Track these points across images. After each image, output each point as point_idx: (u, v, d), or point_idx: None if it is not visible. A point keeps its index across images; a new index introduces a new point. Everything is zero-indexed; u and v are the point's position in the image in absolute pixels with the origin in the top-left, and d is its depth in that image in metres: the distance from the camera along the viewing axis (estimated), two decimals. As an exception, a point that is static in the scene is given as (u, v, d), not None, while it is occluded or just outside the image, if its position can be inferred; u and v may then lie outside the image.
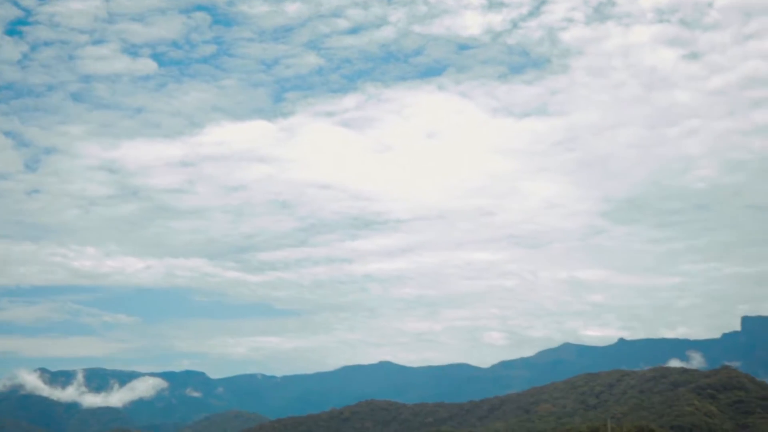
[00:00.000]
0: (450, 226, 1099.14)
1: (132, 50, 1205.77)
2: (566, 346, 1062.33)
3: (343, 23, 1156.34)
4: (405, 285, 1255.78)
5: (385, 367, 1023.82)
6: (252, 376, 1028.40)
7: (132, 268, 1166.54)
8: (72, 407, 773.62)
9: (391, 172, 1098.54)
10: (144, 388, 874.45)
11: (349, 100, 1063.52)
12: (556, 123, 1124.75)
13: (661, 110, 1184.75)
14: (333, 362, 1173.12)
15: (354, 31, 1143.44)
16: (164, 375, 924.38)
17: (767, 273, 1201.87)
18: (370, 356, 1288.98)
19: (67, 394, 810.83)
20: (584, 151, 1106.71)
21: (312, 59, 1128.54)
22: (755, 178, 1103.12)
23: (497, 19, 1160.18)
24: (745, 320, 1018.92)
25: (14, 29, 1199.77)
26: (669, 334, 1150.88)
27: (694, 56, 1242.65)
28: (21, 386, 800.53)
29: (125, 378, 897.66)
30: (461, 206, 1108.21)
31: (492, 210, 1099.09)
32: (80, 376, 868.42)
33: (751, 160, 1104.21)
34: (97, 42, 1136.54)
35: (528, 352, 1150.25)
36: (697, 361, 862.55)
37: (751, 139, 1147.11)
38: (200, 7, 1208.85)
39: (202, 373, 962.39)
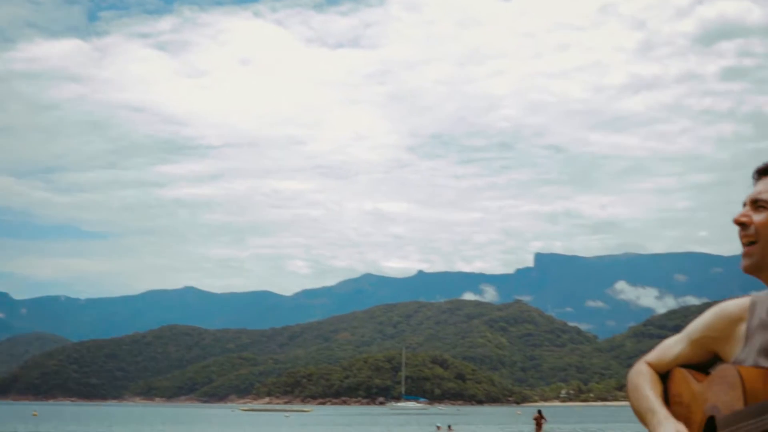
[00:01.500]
0: (260, 154, 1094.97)
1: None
2: (367, 277, 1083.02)
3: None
4: (213, 211, 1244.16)
5: (189, 292, 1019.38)
6: (55, 298, 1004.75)
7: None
8: None
9: (204, 98, 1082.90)
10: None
11: (165, 23, 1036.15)
12: (369, 56, 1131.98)
13: (471, 49, 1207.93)
14: (138, 286, 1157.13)
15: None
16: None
17: (560, 212, 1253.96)
18: (175, 281, 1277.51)
19: None
20: (395, 85, 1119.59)
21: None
22: (555, 120, 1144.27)
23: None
24: (538, 257, 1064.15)
25: None
26: (466, 268, 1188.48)
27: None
28: None
29: None
30: (272, 134, 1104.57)
31: (302, 139, 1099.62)
32: None
33: (553, 102, 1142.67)
34: None
35: (330, 281, 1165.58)
36: (490, 295, 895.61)
37: (554, 81, 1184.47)
38: None
39: (5, 294, 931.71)
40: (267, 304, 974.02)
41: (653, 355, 3.37)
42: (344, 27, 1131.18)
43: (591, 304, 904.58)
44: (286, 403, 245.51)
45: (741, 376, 2.85)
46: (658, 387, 3.29)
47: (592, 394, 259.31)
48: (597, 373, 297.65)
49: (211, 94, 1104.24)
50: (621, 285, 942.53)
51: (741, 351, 3.06)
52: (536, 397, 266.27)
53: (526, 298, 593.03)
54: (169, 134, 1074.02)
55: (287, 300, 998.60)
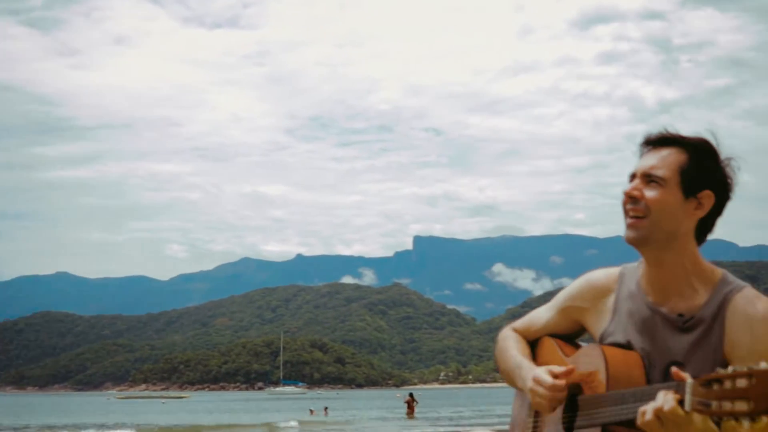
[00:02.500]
0: (136, 135, 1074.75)
1: None
2: (246, 261, 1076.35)
3: None
4: (87, 194, 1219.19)
5: (63, 277, 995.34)
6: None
7: None
8: None
9: (78, 77, 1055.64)
10: None
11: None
12: (247, 36, 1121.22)
13: (350, 30, 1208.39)
14: (8, 272, 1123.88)
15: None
16: None
17: (440, 194, 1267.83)
18: (48, 266, 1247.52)
19: None
20: (274, 66, 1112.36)
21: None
22: (434, 102, 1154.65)
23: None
24: (417, 240, 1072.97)
25: None
26: (345, 251, 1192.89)
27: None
28: None
29: None
30: (148, 115, 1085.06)
31: (179, 121, 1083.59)
32: None
33: (432, 85, 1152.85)
34: None
35: (208, 265, 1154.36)
36: (369, 278, 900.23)
37: (433, 64, 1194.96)
38: None
39: None
40: (143, 289, 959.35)
41: (522, 323, 3.37)
42: (222, 6, 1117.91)
43: (469, 286, 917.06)
44: (163, 389, 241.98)
45: (605, 359, 2.86)
46: (526, 349, 3.27)
47: (470, 376, 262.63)
48: (475, 355, 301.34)
49: (85, 73, 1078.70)
50: (498, 267, 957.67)
51: (609, 323, 3.06)
52: (416, 380, 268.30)
53: (404, 281, 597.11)
54: (41, 115, 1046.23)
55: (164, 285, 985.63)
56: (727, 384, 2.17)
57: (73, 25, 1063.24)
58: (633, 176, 2.94)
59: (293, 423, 44.22)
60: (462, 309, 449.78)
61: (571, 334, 3.26)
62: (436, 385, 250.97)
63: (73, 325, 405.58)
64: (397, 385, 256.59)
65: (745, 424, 2.12)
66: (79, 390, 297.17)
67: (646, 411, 2.49)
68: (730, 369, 2.19)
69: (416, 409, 57.01)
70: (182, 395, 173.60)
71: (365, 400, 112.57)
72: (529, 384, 2.97)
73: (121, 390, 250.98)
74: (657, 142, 2.94)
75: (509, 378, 3.22)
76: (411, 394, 59.19)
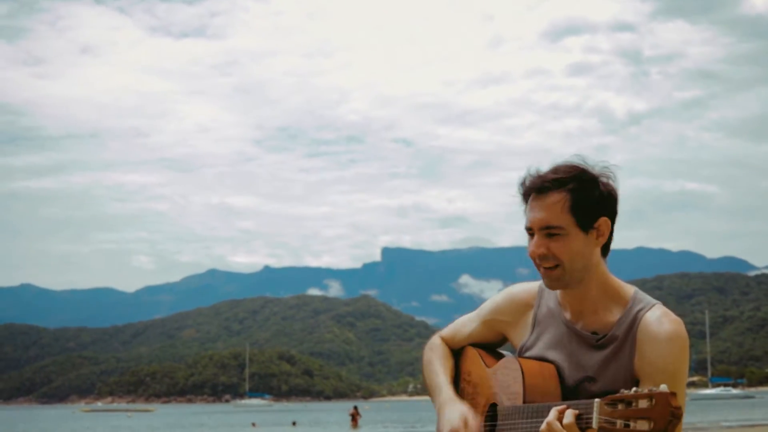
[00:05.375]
0: (102, 145, 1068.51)
1: None
2: (213, 272, 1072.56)
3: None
4: (52, 205, 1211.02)
5: (26, 289, 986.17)
6: None
7: None
8: None
9: (43, 87, 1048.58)
10: None
11: (1, 8, 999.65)
12: (214, 46, 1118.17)
13: (320, 41, 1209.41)
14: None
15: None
16: None
17: (409, 206, 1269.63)
18: (11, 278, 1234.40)
19: None
20: (241, 76, 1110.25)
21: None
22: (404, 113, 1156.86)
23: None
24: (385, 251, 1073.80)
25: None
26: (314, 263, 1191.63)
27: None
28: None
29: None
30: (114, 125, 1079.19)
31: (145, 131, 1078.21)
32: None
33: (402, 96, 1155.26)
34: None
35: (175, 277, 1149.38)
36: (335, 290, 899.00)
37: (403, 75, 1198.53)
38: None
39: None
40: (109, 301, 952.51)
41: (448, 331, 3.48)
42: (189, 16, 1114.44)
43: (436, 298, 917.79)
44: (129, 402, 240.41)
45: (522, 372, 2.97)
46: (449, 362, 3.39)
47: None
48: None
49: (50, 83, 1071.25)
50: (465, 279, 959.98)
51: (528, 338, 3.17)
52: (384, 392, 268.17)
53: (372, 293, 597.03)
54: (5, 124, 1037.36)
55: (130, 297, 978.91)
56: (631, 404, 2.36)
57: (38, 34, 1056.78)
58: (530, 231, 3.05)
59: None
60: (430, 321, 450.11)
61: (494, 344, 3.37)
62: (405, 397, 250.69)
63: (38, 337, 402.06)
64: (365, 397, 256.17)
65: None
66: (44, 403, 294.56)
67: (545, 424, 2.62)
68: (633, 390, 2.38)
69: (359, 421, 58.49)
70: (148, 408, 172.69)
71: (333, 412, 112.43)
72: (446, 429, 3.10)
73: (87, 403, 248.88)
74: (538, 189, 3.03)
75: (430, 394, 3.37)
76: (355, 407, 60.90)
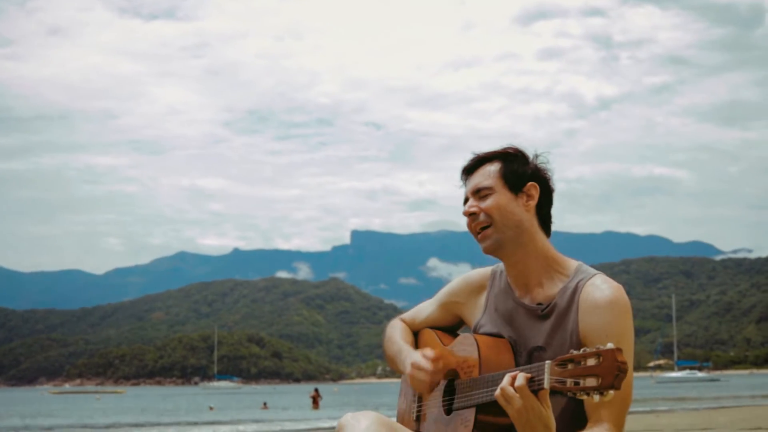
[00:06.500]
0: (72, 127, 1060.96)
1: None
2: (182, 255, 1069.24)
3: None
4: (21, 187, 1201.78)
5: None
6: None
7: None
8: None
9: (12, 68, 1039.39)
10: None
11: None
12: (185, 28, 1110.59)
13: (291, 23, 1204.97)
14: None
15: None
16: None
17: (379, 189, 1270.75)
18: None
19: None
20: (212, 58, 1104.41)
21: None
22: (375, 96, 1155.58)
23: None
24: (354, 234, 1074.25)
25: None
26: (284, 246, 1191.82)
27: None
28: None
29: None
30: (84, 107, 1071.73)
31: (115, 113, 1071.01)
32: None
33: (373, 79, 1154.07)
34: None
35: (145, 259, 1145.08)
36: (304, 272, 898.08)
37: (374, 58, 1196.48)
38: None
39: None
40: (78, 283, 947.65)
41: (409, 314, 3.68)
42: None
43: (404, 281, 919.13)
44: (98, 384, 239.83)
45: (478, 346, 3.10)
46: (409, 338, 3.56)
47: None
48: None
49: (20, 64, 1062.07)
50: (434, 262, 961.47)
51: (481, 317, 3.32)
52: (353, 374, 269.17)
53: (341, 275, 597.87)
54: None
55: (99, 279, 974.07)
56: (580, 363, 2.50)
57: (7, 16, 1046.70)
58: (466, 200, 3.31)
59: None
60: (399, 303, 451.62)
61: (451, 327, 3.56)
62: (374, 380, 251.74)
63: (6, 319, 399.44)
64: (334, 380, 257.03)
65: (596, 398, 2.46)
66: (12, 385, 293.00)
67: (499, 389, 2.76)
68: (581, 350, 2.52)
69: (320, 403, 59.07)
70: (117, 390, 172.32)
71: (301, 394, 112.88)
72: (408, 369, 3.21)
73: (55, 385, 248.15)
74: (472, 167, 3.31)
75: (393, 363, 3.51)
76: (316, 389, 61.62)
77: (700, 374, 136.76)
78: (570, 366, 2.52)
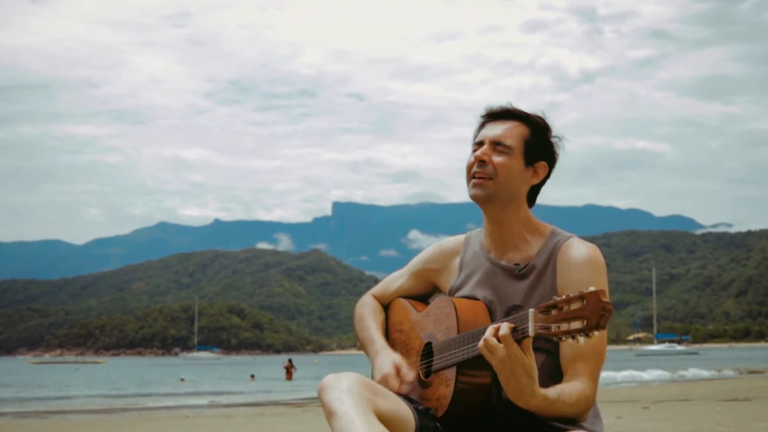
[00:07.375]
0: (52, 96, 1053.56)
1: None
2: (163, 225, 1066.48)
3: None
4: (1, 156, 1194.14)
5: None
6: None
7: None
8: None
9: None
10: None
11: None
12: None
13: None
14: None
15: None
16: None
17: (361, 160, 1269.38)
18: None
19: None
20: (194, 28, 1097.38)
21: None
22: (358, 68, 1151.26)
23: None
24: (336, 205, 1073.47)
25: None
26: (265, 217, 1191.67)
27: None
28: None
29: None
30: (65, 76, 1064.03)
31: (96, 82, 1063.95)
32: None
33: (356, 50, 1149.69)
34: None
35: (125, 229, 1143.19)
36: (285, 244, 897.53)
37: (356, 29, 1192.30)
38: None
39: None
40: (58, 253, 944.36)
41: (379, 287, 3.68)
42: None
43: (384, 253, 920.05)
44: (78, 354, 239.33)
45: (455, 307, 3.11)
46: (380, 317, 3.60)
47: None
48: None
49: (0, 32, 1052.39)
50: (414, 234, 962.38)
51: (456, 280, 3.34)
52: (334, 346, 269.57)
53: (321, 247, 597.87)
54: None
55: (79, 249, 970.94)
56: (564, 308, 2.51)
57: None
58: (479, 143, 3.25)
59: None
60: (380, 275, 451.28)
61: (424, 294, 3.58)
62: (354, 351, 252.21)
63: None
64: (315, 351, 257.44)
65: (581, 339, 2.47)
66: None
67: (482, 341, 2.73)
68: (564, 296, 2.53)
69: (294, 375, 58.71)
70: (98, 360, 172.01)
71: (280, 366, 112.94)
72: (378, 378, 3.23)
73: (35, 355, 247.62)
74: (499, 115, 3.27)
75: (363, 348, 3.55)
76: (290, 360, 61.38)
77: (679, 347, 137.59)
78: (554, 312, 2.55)
